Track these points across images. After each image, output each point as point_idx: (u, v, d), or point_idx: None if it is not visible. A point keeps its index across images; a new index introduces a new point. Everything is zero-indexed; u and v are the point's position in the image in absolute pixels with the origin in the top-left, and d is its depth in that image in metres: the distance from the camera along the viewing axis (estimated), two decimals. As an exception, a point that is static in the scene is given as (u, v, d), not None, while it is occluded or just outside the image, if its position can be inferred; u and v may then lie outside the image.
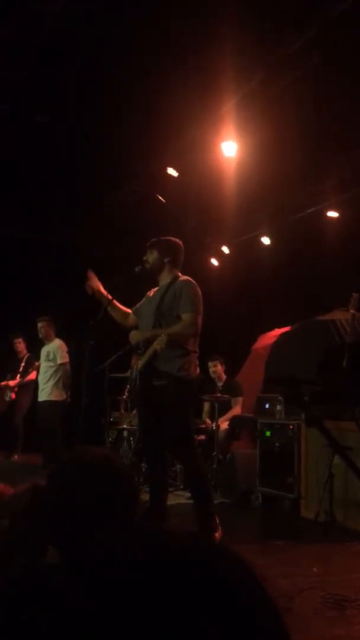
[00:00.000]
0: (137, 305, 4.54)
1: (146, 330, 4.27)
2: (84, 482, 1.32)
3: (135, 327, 4.46)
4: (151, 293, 4.44)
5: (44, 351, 7.56)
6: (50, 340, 7.52)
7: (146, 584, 0.53)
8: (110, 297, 4.45)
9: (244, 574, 0.56)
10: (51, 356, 7.42)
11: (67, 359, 7.39)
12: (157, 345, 3.93)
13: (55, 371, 7.37)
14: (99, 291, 4.47)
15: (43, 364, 7.53)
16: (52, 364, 7.40)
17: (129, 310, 4.54)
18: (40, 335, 7.56)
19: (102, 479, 1.33)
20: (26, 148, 7.52)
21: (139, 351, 4.34)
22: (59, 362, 7.36)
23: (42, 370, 7.54)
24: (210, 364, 7.39)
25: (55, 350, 7.41)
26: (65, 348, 7.45)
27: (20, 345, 8.79)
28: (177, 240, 4.46)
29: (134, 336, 4.31)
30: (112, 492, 1.33)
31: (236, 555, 0.59)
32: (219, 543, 0.63)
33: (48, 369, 7.42)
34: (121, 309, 4.52)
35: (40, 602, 1.12)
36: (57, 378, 7.35)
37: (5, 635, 1.10)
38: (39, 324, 7.51)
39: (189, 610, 0.50)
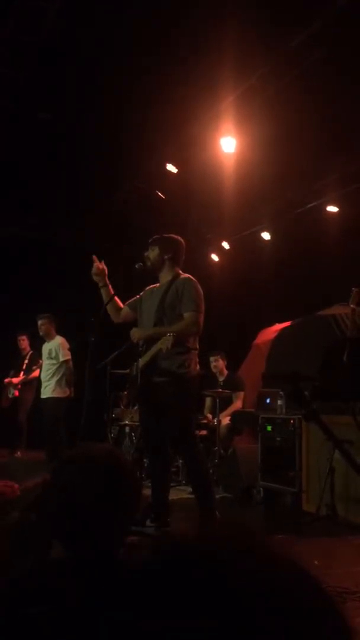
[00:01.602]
0: (131, 300, 4.55)
1: (147, 328, 4.29)
2: (85, 480, 1.34)
3: (129, 323, 4.48)
4: (150, 290, 4.46)
5: (45, 349, 7.58)
6: (51, 338, 7.55)
7: (148, 585, 0.52)
8: (112, 292, 4.47)
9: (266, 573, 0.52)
10: (53, 354, 7.45)
11: (69, 356, 7.41)
12: (162, 344, 3.92)
13: (58, 368, 7.39)
14: (104, 277, 4.46)
15: (45, 361, 7.55)
16: (54, 361, 7.42)
17: (122, 306, 4.56)
18: (40, 333, 7.58)
19: (104, 477, 1.35)
20: (26, 147, 7.53)
21: (139, 349, 4.35)
22: (61, 359, 7.38)
23: (44, 367, 7.57)
24: (211, 358, 7.41)
25: (56, 348, 7.43)
26: (66, 345, 7.47)
27: (24, 342, 8.81)
28: (179, 238, 4.47)
29: (135, 333, 4.33)
30: (114, 490, 1.35)
31: (258, 551, 0.54)
32: (227, 533, 0.59)
33: (50, 366, 7.44)
34: (117, 304, 4.55)
35: (44, 600, 1.15)
36: (59, 375, 7.38)
37: (10, 631, 1.13)
38: (39, 322, 7.53)
39: (191, 617, 0.48)
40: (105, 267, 4.48)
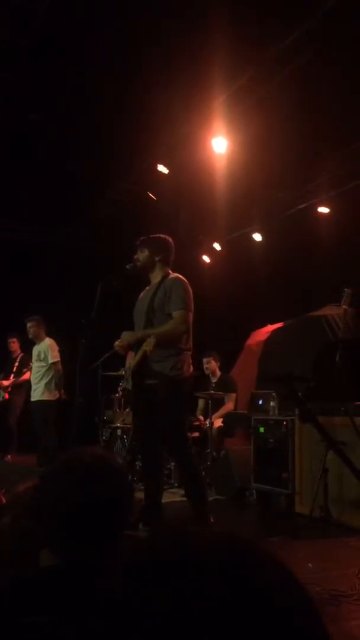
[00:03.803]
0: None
1: (136, 331, 4.26)
2: (77, 484, 1.31)
3: None
4: (143, 293, 4.43)
5: (34, 351, 7.53)
6: (41, 340, 7.49)
7: (140, 593, 0.51)
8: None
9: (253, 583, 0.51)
10: (42, 356, 7.39)
11: (58, 358, 7.36)
12: (146, 347, 3.91)
13: (47, 371, 7.34)
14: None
15: (34, 364, 7.50)
16: (43, 363, 7.37)
17: None
18: (29, 336, 7.53)
19: (97, 481, 1.32)
20: (17, 148, 7.49)
21: (131, 351, 4.32)
22: (50, 361, 7.33)
23: (33, 370, 7.52)
24: (204, 360, 7.39)
25: (45, 350, 7.38)
26: (56, 347, 7.42)
27: (15, 345, 8.76)
28: (167, 237, 4.44)
29: (126, 337, 4.29)
30: (107, 494, 1.32)
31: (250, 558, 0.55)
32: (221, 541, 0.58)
33: (39, 368, 7.39)
34: None
35: (38, 610, 1.11)
36: (49, 378, 7.33)
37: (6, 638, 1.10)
38: (28, 325, 7.48)
39: (180, 624, 0.48)
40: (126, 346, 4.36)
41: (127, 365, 4.45)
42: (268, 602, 0.50)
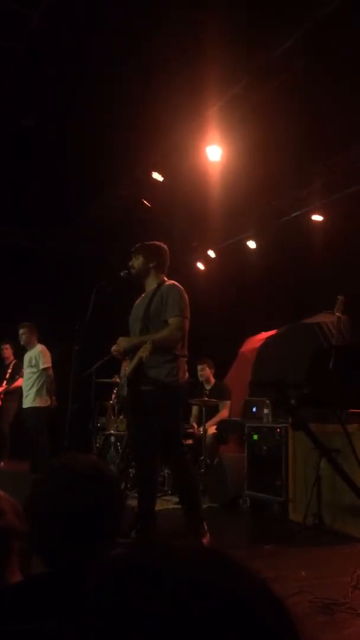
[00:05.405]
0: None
1: (132, 337, 4.26)
2: (68, 492, 1.31)
3: None
4: (139, 298, 4.44)
5: (26, 357, 7.51)
6: (32, 347, 7.48)
7: (140, 593, 0.51)
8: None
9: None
10: (33, 362, 7.37)
11: (49, 364, 7.34)
12: (142, 352, 3.92)
13: (39, 377, 7.31)
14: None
15: (26, 370, 7.47)
16: (34, 369, 7.34)
17: None
18: (21, 342, 7.51)
19: (88, 489, 1.32)
20: (10, 153, 7.48)
21: (127, 357, 4.32)
22: (41, 367, 7.31)
23: (25, 376, 7.49)
24: (198, 367, 7.38)
25: (37, 356, 7.36)
26: (47, 353, 7.40)
27: (7, 351, 8.72)
28: (162, 244, 4.46)
29: (121, 343, 4.29)
30: (98, 502, 1.31)
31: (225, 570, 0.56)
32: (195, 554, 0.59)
33: (31, 375, 7.37)
34: None
35: (26, 617, 1.11)
36: (40, 384, 7.30)
37: None
38: (20, 331, 7.46)
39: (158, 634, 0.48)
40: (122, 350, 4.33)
41: (122, 372, 4.44)
42: (243, 610, 0.50)
